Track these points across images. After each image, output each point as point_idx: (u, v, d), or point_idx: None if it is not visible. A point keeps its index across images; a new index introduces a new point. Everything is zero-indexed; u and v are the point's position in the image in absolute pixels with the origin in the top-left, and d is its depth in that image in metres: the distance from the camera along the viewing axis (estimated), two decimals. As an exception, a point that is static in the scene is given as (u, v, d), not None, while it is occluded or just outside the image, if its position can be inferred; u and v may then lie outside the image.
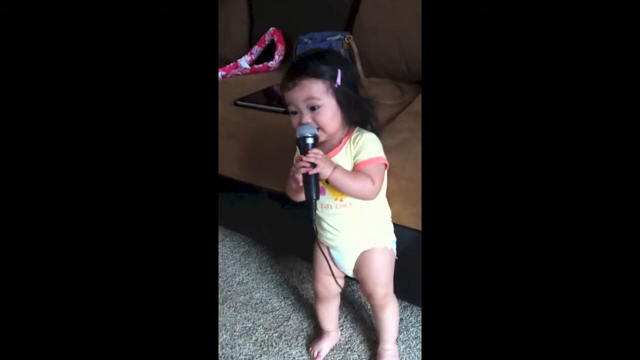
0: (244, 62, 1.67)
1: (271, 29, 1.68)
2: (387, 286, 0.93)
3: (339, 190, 0.82)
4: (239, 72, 1.65)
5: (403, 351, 1.03)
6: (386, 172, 0.86)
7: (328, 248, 0.94)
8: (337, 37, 1.42)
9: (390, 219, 0.93)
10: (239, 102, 1.35)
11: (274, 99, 1.38)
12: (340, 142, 0.84)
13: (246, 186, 1.25)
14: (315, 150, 0.77)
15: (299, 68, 0.80)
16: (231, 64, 1.65)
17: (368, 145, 0.82)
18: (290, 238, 1.32)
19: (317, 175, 0.78)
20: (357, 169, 0.82)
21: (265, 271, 1.35)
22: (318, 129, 0.80)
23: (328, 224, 0.89)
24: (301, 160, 0.77)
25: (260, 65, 1.65)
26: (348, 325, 1.13)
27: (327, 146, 0.84)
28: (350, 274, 0.95)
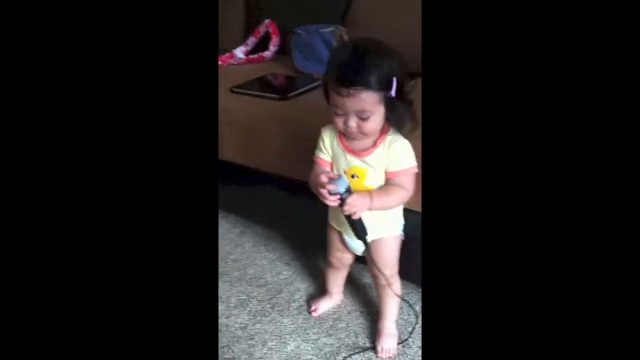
0: (240, 52, 1.74)
1: (266, 20, 1.74)
2: (393, 268, 0.99)
3: (382, 209, 0.87)
4: (235, 62, 1.72)
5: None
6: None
7: (339, 232, 1.00)
8: (330, 29, 1.49)
9: (401, 207, 0.97)
10: (235, 90, 1.42)
11: (268, 87, 1.45)
12: (374, 143, 0.86)
13: (243, 169, 1.32)
14: (350, 201, 0.80)
15: (357, 77, 0.76)
16: (227, 54, 1.72)
17: (401, 155, 0.85)
18: (285, 219, 1.40)
19: (359, 218, 0.84)
20: (388, 177, 0.87)
21: (259, 249, 1.43)
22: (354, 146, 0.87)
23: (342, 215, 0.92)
24: (342, 210, 0.82)
25: (255, 56, 1.72)
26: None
27: (360, 145, 0.87)
28: (360, 253, 1.01)
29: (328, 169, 0.92)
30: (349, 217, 0.85)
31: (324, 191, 0.80)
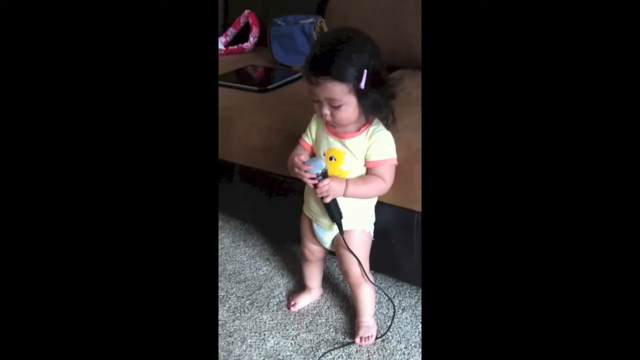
0: (219, 43, 1.70)
1: (246, 11, 1.71)
2: (362, 265, 0.97)
3: (357, 198, 0.88)
4: (214, 53, 1.69)
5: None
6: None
7: (310, 220, 1.00)
8: (310, 20, 1.47)
9: (373, 204, 0.97)
10: (213, 82, 1.39)
11: (247, 79, 1.43)
12: (358, 130, 0.87)
13: (220, 163, 1.29)
14: (321, 185, 0.83)
15: (324, 66, 0.78)
16: (206, 45, 1.68)
17: (382, 146, 0.86)
18: (265, 214, 1.38)
19: (334, 200, 0.86)
20: (368, 167, 0.88)
21: (239, 245, 1.41)
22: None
23: (314, 201, 0.94)
24: (315, 191, 0.85)
25: (235, 47, 1.69)
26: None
27: (343, 129, 0.88)
28: (328, 247, 1.02)
29: (308, 151, 0.95)
30: (322, 200, 0.86)
31: (300, 171, 0.83)
